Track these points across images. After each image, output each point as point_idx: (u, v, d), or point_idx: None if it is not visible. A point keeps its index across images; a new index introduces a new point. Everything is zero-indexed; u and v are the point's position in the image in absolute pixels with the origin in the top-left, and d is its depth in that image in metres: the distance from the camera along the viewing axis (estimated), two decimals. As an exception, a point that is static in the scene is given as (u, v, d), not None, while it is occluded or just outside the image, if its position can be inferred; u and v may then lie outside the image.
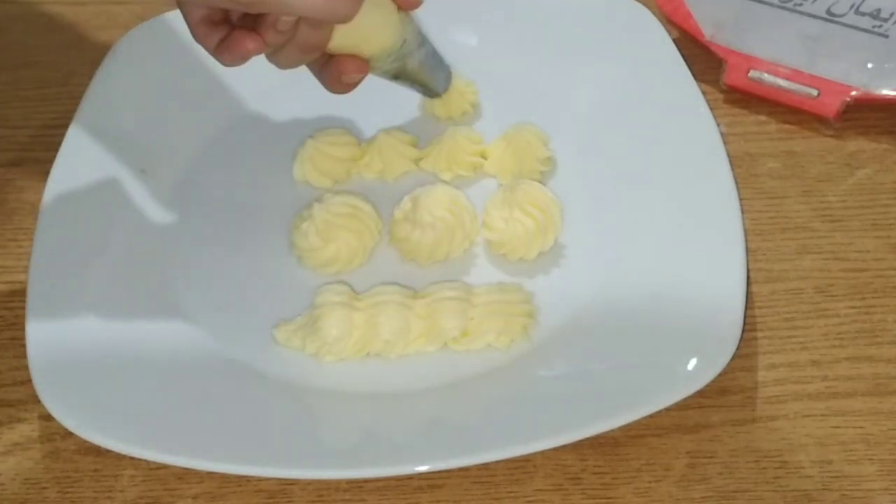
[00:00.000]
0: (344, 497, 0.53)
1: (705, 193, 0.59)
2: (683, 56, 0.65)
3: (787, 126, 0.66)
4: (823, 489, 0.52)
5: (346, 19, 0.52)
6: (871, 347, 0.57)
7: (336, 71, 0.57)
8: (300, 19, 0.52)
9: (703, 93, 0.64)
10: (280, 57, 0.55)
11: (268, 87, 0.66)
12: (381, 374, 0.56)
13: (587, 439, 0.52)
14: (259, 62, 0.61)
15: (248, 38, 0.52)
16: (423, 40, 0.60)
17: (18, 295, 0.59)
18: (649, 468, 0.53)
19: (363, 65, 0.57)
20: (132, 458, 0.53)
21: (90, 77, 0.67)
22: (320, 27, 0.54)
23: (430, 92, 0.64)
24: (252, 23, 0.53)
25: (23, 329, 0.56)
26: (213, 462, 0.52)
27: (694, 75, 0.64)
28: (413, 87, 0.63)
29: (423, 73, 0.61)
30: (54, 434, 0.56)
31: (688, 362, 0.53)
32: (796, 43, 0.66)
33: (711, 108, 0.63)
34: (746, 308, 0.55)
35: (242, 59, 0.53)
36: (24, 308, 0.57)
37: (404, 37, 0.58)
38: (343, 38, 0.55)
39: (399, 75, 0.60)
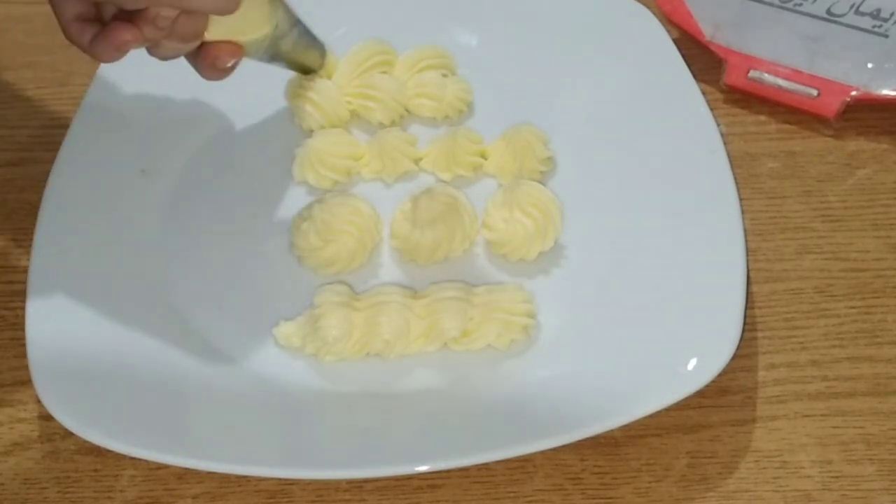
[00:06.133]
0: (344, 497, 0.53)
1: (705, 193, 0.59)
2: (683, 56, 0.65)
3: (787, 126, 0.66)
4: (823, 489, 0.52)
5: (230, 11, 0.52)
6: (871, 347, 0.57)
7: (210, 57, 0.56)
8: (180, 12, 0.52)
9: (703, 93, 0.64)
10: (160, 50, 0.54)
11: (268, 87, 0.66)
12: (381, 374, 0.56)
13: (587, 439, 0.52)
14: (259, 63, 0.61)
15: (125, 30, 0.51)
16: (294, 21, 0.60)
17: (18, 295, 0.59)
18: (649, 468, 0.53)
19: (237, 49, 0.57)
20: (132, 458, 0.53)
21: (90, 77, 0.67)
22: (199, 17, 0.53)
23: (306, 70, 0.64)
24: (127, 17, 0.51)
25: (23, 329, 0.56)
26: (213, 462, 0.52)
27: (694, 75, 0.64)
28: (289, 67, 0.62)
29: (297, 53, 0.61)
30: (54, 434, 0.56)
31: (688, 362, 0.53)
32: (796, 43, 0.66)
33: (711, 108, 0.63)
34: (746, 308, 0.55)
35: (119, 51, 0.52)
36: (24, 308, 0.57)
37: (276, 21, 0.58)
38: (219, 27, 0.55)
39: (274, 57, 0.60)
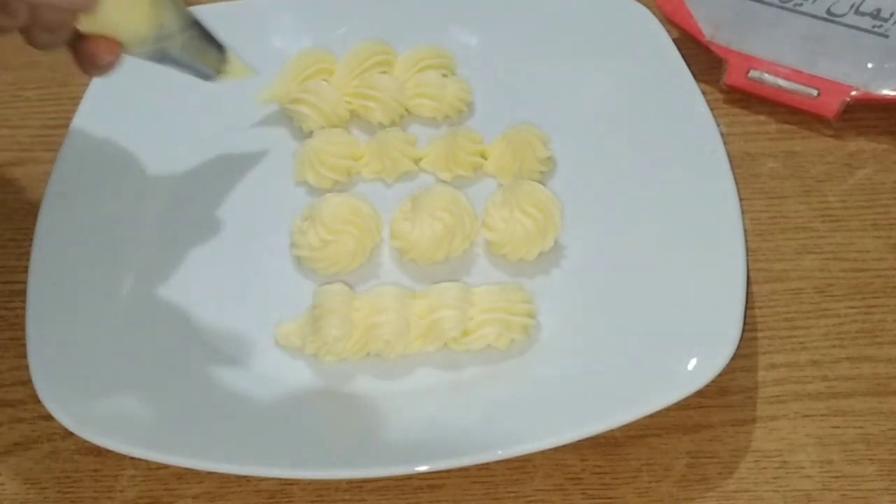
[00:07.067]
0: (344, 497, 0.53)
1: (705, 193, 0.59)
2: (683, 56, 0.65)
3: (787, 126, 0.66)
4: (823, 489, 0.52)
5: (87, 8, 0.49)
6: (871, 347, 0.57)
7: (87, 52, 0.53)
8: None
9: (703, 93, 0.64)
10: (32, 38, 0.51)
11: (268, 86, 0.66)
12: (381, 374, 0.56)
13: (587, 439, 0.52)
14: (261, 62, 0.61)
15: None
16: (186, 24, 0.56)
17: (18, 295, 0.59)
18: (649, 468, 0.53)
19: (116, 47, 0.53)
20: (132, 458, 0.53)
21: (90, 77, 0.67)
22: (61, 10, 0.50)
23: (200, 75, 0.60)
24: None
25: (23, 329, 0.56)
26: (213, 462, 0.52)
27: (694, 75, 0.64)
28: (181, 70, 0.58)
29: (187, 57, 0.57)
30: (54, 434, 0.56)
31: (688, 362, 0.53)
32: (796, 43, 0.66)
33: (711, 108, 0.63)
34: (746, 308, 0.55)
35: None
36: (24, 308, 0.57)
37: (160, 21, 0.54)
38: (92, 21, 0.52)
39: (162, 60, 0.57)
